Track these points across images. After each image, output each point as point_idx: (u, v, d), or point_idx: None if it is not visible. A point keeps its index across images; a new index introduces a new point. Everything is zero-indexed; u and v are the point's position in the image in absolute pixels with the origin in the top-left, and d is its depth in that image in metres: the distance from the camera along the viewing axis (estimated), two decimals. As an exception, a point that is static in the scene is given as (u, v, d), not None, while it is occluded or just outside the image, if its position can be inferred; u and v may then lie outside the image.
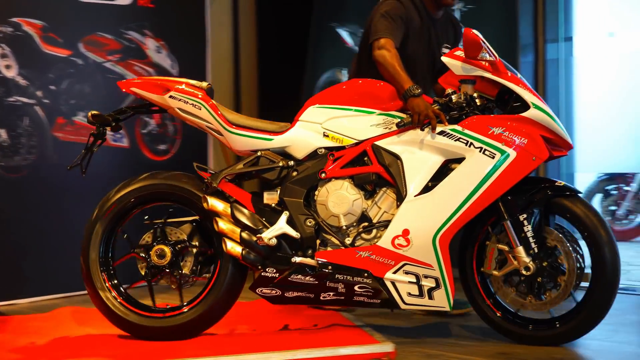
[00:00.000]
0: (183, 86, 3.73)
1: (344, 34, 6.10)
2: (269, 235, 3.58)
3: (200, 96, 3.71)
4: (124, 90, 3.77)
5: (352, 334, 3.71)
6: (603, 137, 5.67)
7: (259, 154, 3.71)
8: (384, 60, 3.74)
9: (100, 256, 3.72)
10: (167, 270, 3.69)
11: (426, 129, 3.53)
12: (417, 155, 3.55)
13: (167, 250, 3.68)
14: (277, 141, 3.71)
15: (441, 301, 3.54)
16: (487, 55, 3.50)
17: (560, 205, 3.55)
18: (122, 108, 3.84)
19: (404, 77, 3.65)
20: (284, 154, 3.72)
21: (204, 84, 3.77)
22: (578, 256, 3.56)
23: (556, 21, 5.56)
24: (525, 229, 3.53)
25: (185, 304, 3.72)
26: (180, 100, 3.71)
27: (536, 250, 3.53)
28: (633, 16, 5.73)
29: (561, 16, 5.56)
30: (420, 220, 3.50)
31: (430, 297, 3.53)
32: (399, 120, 3.57)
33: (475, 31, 3.48)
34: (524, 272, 3.53)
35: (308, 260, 3.58)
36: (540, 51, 5.51)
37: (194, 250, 3.71)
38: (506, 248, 3.57)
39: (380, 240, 3.52)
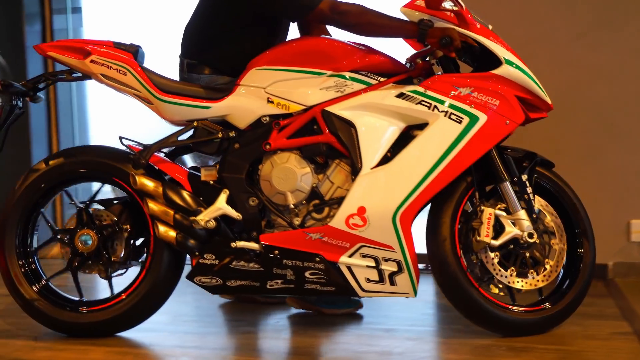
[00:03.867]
0: (106, 49, 3.28)
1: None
2: (206, 217, 3.16)
3: (126, 59, 3.25)
4: (41, 54, 3.34)
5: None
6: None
7: (195, 124, 3.25)
8: (369, 16, 3.17)
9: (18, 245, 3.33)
10: (94, 259, 3.31)
11: (382, 91, 3.14)
12: (374, 121, 3.13)
13: (93, 235, 3.28)
14: (216, 109, 3.24)
15: (404, 287, 3.14)
16: (451, 5, 3.10)
17: (544, 174, 3.26)
18: (38, 76, 3.39)
19: (401, 20, 3.18)
20: (225, 123, 3.27)
21: (131, 47, 3.31)
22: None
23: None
24: (529, 189, 3.16)
25: (114, 295, 3.33)
26: (102, 65, 3.26)
27: (536, 215, 3.18)
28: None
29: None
30: (377, 196, 3.09)
31: (392, 283, 3.14)
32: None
33: None
34: (527, 239, 3.13)
35: (250, 245, 3.17)
36: (48, 21, 5.48)
37: (125, 234, 3.31)
38: (504, 214, 3.16)
39: (333, 220, 3.11)
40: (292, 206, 3.16)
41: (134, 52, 3.29)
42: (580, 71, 4.24)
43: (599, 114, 4.23)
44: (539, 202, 3.22)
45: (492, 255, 3.14)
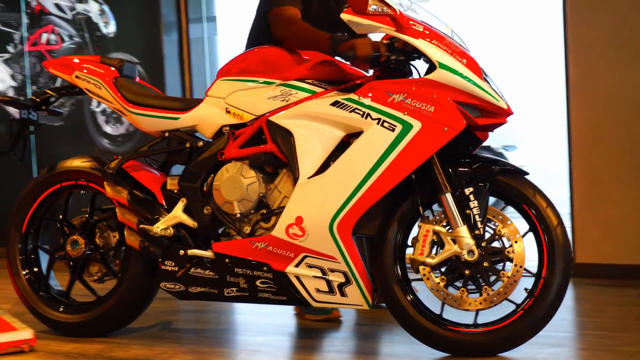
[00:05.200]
0: (88, 65, 3.52)
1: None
2: (163, 225, 3.27)
3: (101, 74, 3.48)
4: (47, 70, 3.64)
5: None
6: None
7: (166, 134, 3.38)
8: (295, 28, 3.23)
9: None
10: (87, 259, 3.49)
11: (319, 100, 3.07)
12: (311, 130, 3.06)
13: (80, 240, 3.48)
14: (184, 120, 3.35)
15: (355, 298, 3.05)
16: (377, 8, 2.94)
17: (506, 183, 2.99)
18: (43, 92, 3.67)
19: (318, 32, 3.17)
20: (196, 134, 3.38)
21: (116, 60, 3.54)
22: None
23: (199, 1, 5.73)
24: (472, 204, 2.95)
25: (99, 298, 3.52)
26: (84, 80, 3.51)
27: (482, 231, 2.95)
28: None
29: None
30: (313, 205, 3.02)
31: (343, 294, 3.06)
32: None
33: None
34: (466, 257, 2.93)
35: (202, 252, 3.23)
36: (184, 30, 5.67)
37: (116, 239, 3.49)
38: (443, 230, 2.98)
39: (274, 229, 3.08)
40: (238, 215, 3.16)
41: (119, 66, 3.50)
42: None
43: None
44: (499, 216, 2.98)
45: (437, 279, 2.97)
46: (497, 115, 2.99)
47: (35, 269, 3.62)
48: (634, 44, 4.38)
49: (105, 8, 5.73)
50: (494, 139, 3.03)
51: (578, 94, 4.51)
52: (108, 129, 5.72)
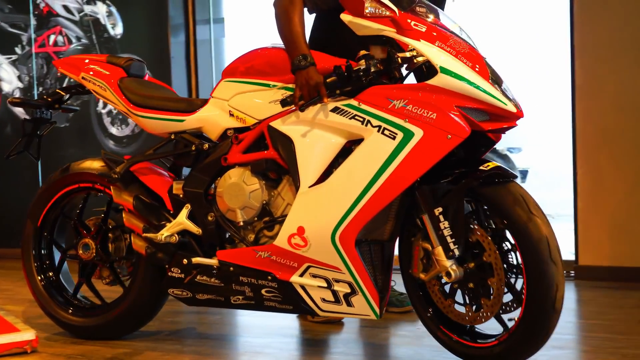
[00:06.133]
0: (94, 65, 3.46)
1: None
2: (167, 232, 3.20)
3: (106, 76, 3.42)
4: (58, 68, 3.60)
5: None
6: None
7: (172, 137, 3.32)
8: (282, 14, 3.08)
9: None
10: (99, 264, 3.47)
11: (319, 106, 2.92)
12: (312, 137, 2.94)
13: (92, 244, 3.45)
14: (189, 122, 3.27)
15: (362, 309, 2.93)
16: (374, 10, 2.85)
17: (485, 194, 2.80)
18: (54, 91, 3.63)
19: (298, 42, 3.00)
20: (203, 135, 3.31)
21: (123, 60, 3.47)
22: (506, 250, 2.83)
23: (206, 3, 5.73)
24: (442, 225, 2.80)
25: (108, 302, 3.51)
26: (90, 82, 3.46)
27: (457, 252, 2.79)
28: None
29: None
30: (314, 215, 2.91)
31: (349, 304, 2.94)
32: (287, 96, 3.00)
33: None
34: (445, 278, 2.83)
35: (206, 260, 3.15)
36: (191, 32, 5.66)
37: (127, 242, 3.45)
38: (429, 247, 2.87)
39: (276, 239, 2.99)
40: (241, 223, 3.10)
41: (127, 65, 3.43)
42: None
43: None
44: (478, 233, 2.80)
45: (434, 282, 2.91)
46: (506, 118, 2.83)
47: (50, 273, 3.62)
48: (640, 46, 4.37)
49: (113, 9, 5.74)
50: (499, 141, 2.96)
51: (584, 96, 4.49)
52: (114, 130, 5.74)
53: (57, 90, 3.61)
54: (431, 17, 2.92)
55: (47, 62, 5.98)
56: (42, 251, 3.61)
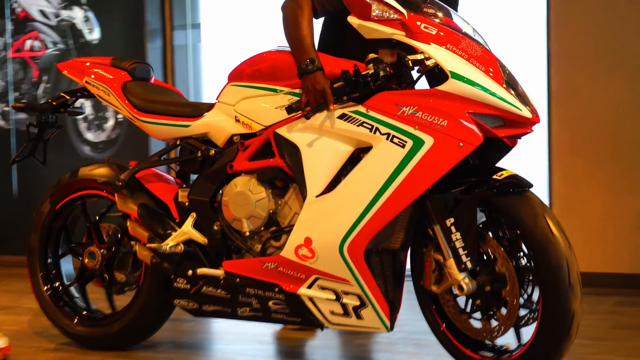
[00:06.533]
0: (97, 69, 3.38)
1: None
2: (172, 242, 3.11)
3: (109, 80, 3.34)
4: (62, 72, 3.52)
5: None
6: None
7: (177, 142, 3.21)
8: (290, 18, 2.96)
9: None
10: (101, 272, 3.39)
11: (326, 112, 2.81)
12: (318, 145, 2.83)
13: (98, 253, 3.37)
14: (195, 127, 3.17)
15: (372, 321, 2.83)
16: (381, 13, 2.76)
17: (499, 206, 2.71)
18: (58, 95, 3.55)
19: (305, 45, 2.88)
20: (209, 141, 3.17)
21: (127, 63, 3.39)
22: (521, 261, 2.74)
23: (183, 8, 5.66)
24: (454, 236, 2.70)
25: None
26: (93, 86, 3.39)
27: (470, 265, 2.68)
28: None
29: (188, 3, 5.66)
30: (322, 226, 2.80)
31: (359, 317, 2.84)
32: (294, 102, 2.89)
33: None
34: (457, 291, 2.73)
35: (212, 271, 3.06)
36: (169, 37, 5.61)
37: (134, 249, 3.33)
38: (441, 259, 2.77)
39: (283, 250, 2.88)
40: (247, 233, 3.00)
41: (131, 69, 3.35)
42: None
43: None
44: (492, 245, 2.71)
45: (447, 297, 2.82)
46: (522, 124, 2.72)
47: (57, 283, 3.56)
48: (616, 53, 4.38)
49: (90, 15, 5.72)
50: (516, 146, 2.86)
51: (559, 102, 4.51)
52: (89, 135, 5.70)
53: (62, 94, 3.53)
54: (441, 19, 2.82)
55: (22, 67, 5.94)
56: (49, 260, 3.55)
